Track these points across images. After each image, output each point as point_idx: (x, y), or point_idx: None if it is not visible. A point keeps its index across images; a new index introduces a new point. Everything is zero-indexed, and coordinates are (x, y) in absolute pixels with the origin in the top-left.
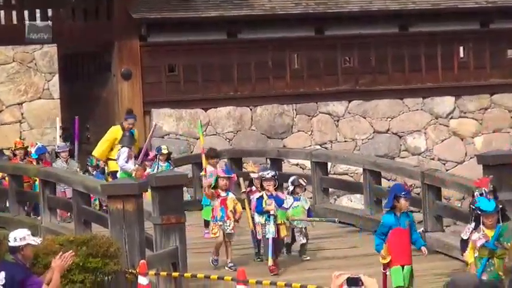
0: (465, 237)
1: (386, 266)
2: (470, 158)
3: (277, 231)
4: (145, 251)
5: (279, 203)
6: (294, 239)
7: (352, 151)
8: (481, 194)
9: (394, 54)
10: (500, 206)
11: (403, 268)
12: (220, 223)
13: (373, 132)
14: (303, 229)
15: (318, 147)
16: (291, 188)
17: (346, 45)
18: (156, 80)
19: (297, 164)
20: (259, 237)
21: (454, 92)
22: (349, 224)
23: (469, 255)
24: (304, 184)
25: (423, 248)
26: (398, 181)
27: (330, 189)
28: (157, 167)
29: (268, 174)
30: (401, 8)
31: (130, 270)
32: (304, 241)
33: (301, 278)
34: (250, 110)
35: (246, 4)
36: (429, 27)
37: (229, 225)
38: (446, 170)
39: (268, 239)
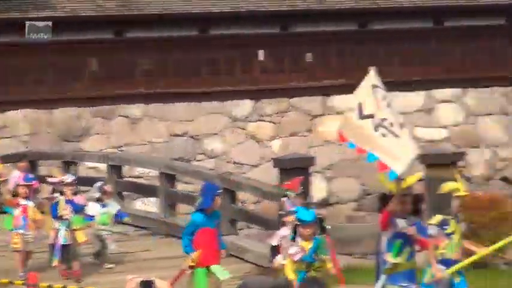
0: (274, 244)
1: (191, 267)
2: (267, 161)
3: (74, 237)
4: None
5: (76, 208)
6: (104, 247)
7: (148, 154)
8: (285, 196)
9: (193, 57)
10: (319, 217)
11: (208, 269)
12: (22, 232)
13: (170, 135)
14: (112, 236)
15: (115, 150)
16: (96, 194)
17: (143, 48)
18: None
19: (93, 167)
20: (52, 242)
21: (253, 95)
22: (142, 227)
23: (289, 272)
24: (111, 190)
25: (223, 251)
26: (194, 184)
27: (125, 193)
28: None
29: (68, 178)
30: (200, 11)
31: None
32: (113, 247)
33: (96, 282)
34: (47, 112)
35: None
36: (229, 30)
37: (29, 235)
38: (243, 173)
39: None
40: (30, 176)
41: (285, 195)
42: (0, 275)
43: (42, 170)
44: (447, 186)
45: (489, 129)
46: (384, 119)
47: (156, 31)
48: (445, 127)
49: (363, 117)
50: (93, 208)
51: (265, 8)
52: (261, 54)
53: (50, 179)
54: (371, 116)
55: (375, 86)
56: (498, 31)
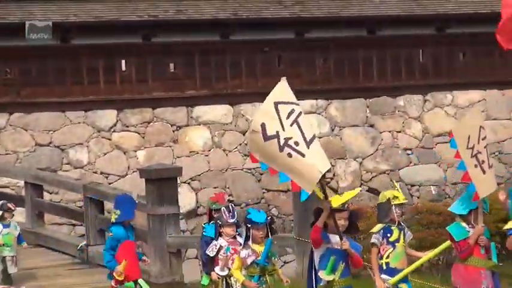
0: (212, 255)
1: (118, 282)
2: (133, 171)
3: None
4: None
5: None
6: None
7: (13, 164)
8: (213, 209)
9: (55, 66)
10: (269, 218)
11: (135, 283)
12: None
13: (35, 145)
14: (14, 258)
15: None
16: None
17: (5, 56)
18: None
19: None
20: None
21: (116, 105)
22: None
23: (238, 276)
24: (14, 208)
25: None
26: (61, 194)
27: None
28: None
29: None
30: (61, 21)
31: None
32: (15, 270)
33: None
34: None
35: None
36: (91, 39)
37: None
38: (110, 184)
39: None
40: None
41: (213, 208)
42: None
43: None
44: (385, 195)
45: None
46: (288, 138)
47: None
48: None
49: (267, 138)
50: None
51: (127, 18)
52: (123, 64)
53: None
54: (275, 137)
55: (278, 103)
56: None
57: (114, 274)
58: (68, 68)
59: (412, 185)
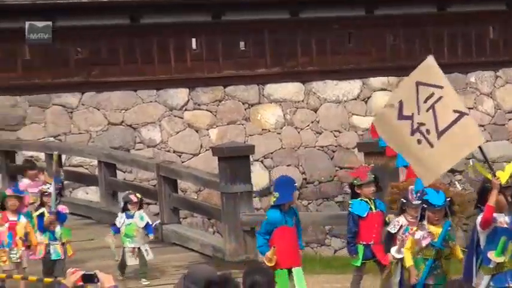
0: (393, 231)
1: (271, 268)
2: (206, 150)
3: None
4: None
5: (62, 219)
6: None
7: (86, 143)
8: (353, 185)
9: (126, 45)
10: (448, 199)
11: (289, 271)
12: (7, 249)
13: (108, 124)
14: (136, 249)
15: (52, 139)
16: (121, 204)
17: (77, 36)
18: None
19: (31, 157)
20: (41, 256)
21: (188, 84)
22: (85, 216)
23: (407, 258)
24: (136, 200)
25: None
26: (134, 173)
27: (66, 182)
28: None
29: (49, 188)
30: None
31: None
32: (135, 262)
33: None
34: None
35: None
36: (160, 18)
37: (15, 254)
38: (182, 162)
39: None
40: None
41: (353, 184)
42: None
43: None
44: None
45: None
46: (421, 124)
47: (89, 20)
48: None
49: (401, 117)
50: (118, 219)
51: None
52: (194, 43)
53: (29, 188)
54: (410, 118)
55: (419, 84)
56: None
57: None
58: (138, 47)
59: (485, 162)
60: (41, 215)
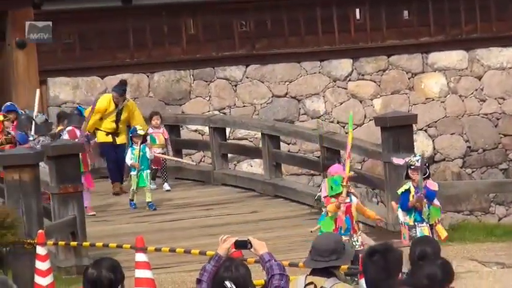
0: None
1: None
2: (370, 120)
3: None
4: (43, 221)
5: (430, 196)
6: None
7: (251, 116)
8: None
9: (289, 17)
10: None
11: None
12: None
13: (272, 97)
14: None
15: (217, 112)
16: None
17: (241, 9)
18: (52, 48)
19: (195, 130)
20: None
21: (351, 54)
22: (248, 188)
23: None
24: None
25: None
26: (298, 144)
27: (230, 155)
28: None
29: (418, 161)
30: None
31: (28, 241)
32: None
33: (201, 244)
34: (147, 76)
35: None
36: None
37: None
38: (346, 133)
39: None
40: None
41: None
42: (96, 239)
43: None
44: None
45: None
46: None
47: None
48: None
49: None
50: None
51: None
52: (357, 13)
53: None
54: None
55: None
56: None
57: None
58: (302, 19)
59: None
60: (406, 192)
